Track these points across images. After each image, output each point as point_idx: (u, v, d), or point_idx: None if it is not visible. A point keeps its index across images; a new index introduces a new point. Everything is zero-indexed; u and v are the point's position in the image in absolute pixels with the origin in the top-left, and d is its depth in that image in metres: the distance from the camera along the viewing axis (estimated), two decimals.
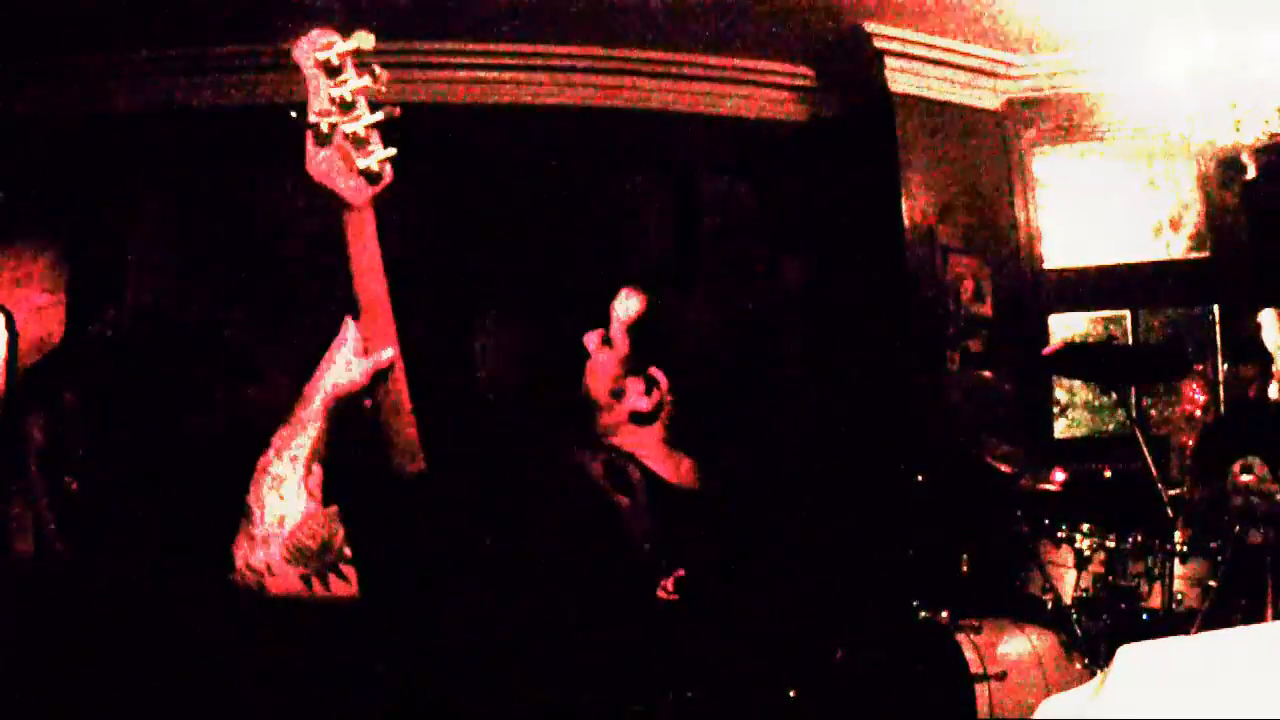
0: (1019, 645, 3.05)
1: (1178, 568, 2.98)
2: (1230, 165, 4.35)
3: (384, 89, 1.30)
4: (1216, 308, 4.68)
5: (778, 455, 4.64)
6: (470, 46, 4.44)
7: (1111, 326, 4.73)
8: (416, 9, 4.07)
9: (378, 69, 1.29)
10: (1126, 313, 4.75)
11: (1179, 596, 2.97)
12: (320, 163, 1.28)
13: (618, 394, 1.46)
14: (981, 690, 2.90)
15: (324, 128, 1.26)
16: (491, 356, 4.49)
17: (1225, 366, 3.80)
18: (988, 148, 4.73)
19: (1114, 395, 3.54)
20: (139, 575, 3.43)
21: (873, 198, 4.61)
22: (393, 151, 1.33)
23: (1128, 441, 3.42)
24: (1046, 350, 3.91)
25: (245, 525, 1.22)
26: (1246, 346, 3.93)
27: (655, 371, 1.44)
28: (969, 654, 2.97)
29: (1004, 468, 3.37)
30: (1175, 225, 4.78)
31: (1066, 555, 3.17)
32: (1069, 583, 3.14)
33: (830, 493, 4.39)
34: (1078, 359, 3.67)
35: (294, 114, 1.26)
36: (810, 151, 4.85)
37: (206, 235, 4.32)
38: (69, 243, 4.22)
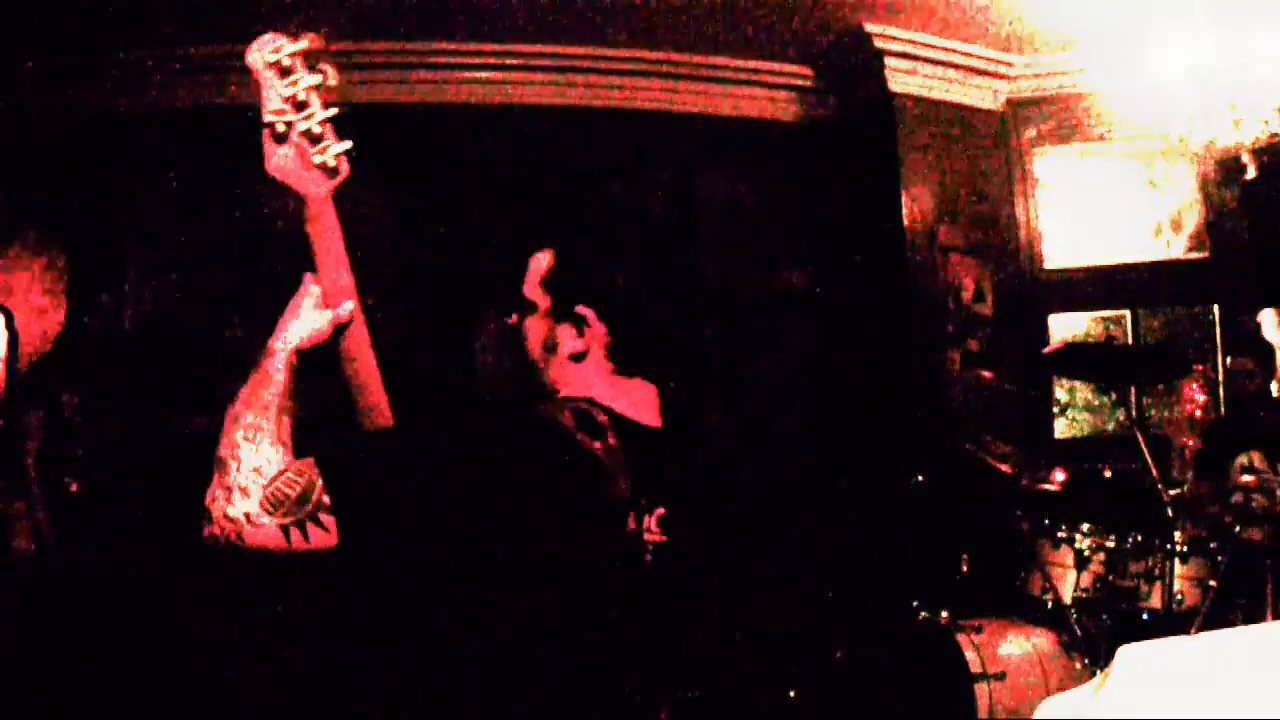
0: (1019, 645, 3.05)
1: (1178, 568, 2.98)
2: (1230, 165, 4.35)
3: (335, 84, 1.36)
4: (1216, 308, 4.68)
5: (778, 455, 4.64)
6: (470, 46, 4.44)
7: (1111, 326, 4.73)
8: (416, 9, 4.07)
9: (328, 67, 1.36)
10: (1126, 313, 4.75)
11: (1179, 596, 2.96)
12: (279, 161, 1.33)
13: (551, 345, 1.51)
14: (981, 690, 2.90)
15: (279, 127, 1.30)
16: (491, 356, 4.49)
17: (1227, 360, 3.80)
18: (988, 148, 4.73)
19: (1114, 395, 3.54)
20: (138, 575, 3.43)
21: (873, 198, 4.61)
22: (348, 144, 1.39)
23: (1128, 441, 3.42)
24: (1047, 350, 3.92)
25: (220, 477, 1.21)
26: (1246, 343, 3.93)
27: (581, 309, 1.50)
28: (969, 654, 2.97)
29: (1004, 468, 3.37)
30: (1175, 225, 4.78)
31: (1066, 555, 3.17)
32: (1069, 583, 3.14)
33: (830, 493, 4.39)
34: (1078, 359, 3.67)
35: (250, 115, 1.28)
36: (810, 151, 4.85)
37: (206, 235, 4.32)
38: (69, 243, 4.22)
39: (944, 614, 3.14)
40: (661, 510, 1.41)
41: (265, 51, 1.32)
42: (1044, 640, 3.08)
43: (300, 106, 1.32)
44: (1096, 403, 4.70)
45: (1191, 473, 3.67)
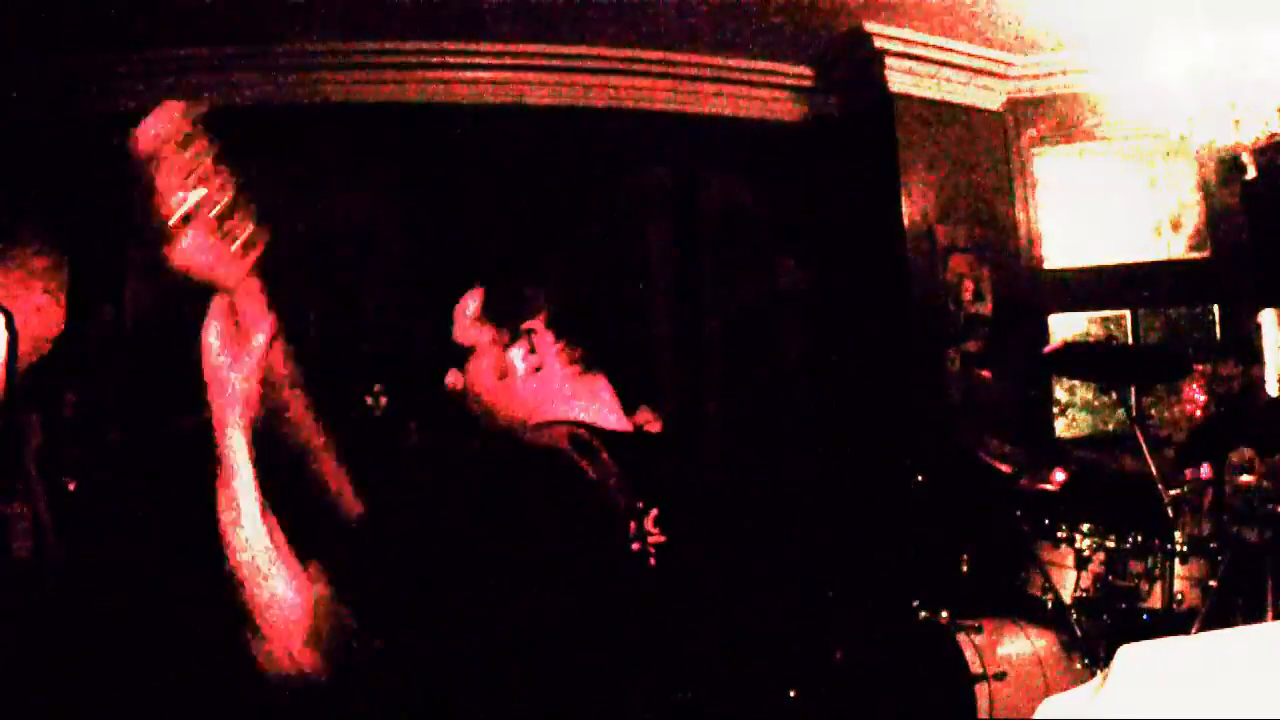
0: (1019, 645, 3.05)
1: (1178, 568, 2.98)
2: (1230, 165, 4.35)
3: (229, 161, 1.17)
4: (1216, 308, 4.69)
5: (778, 455, 4.64)
6: (470, 46, 4.44)
7: (1111, 326, 4.73)
8: (417, 9, 4.07)
9: (210, 144, 1.16)
10: (1126, 313, 4.75)
11: (1179, 596, 2.96)
12: (185, 249, 1.15)
13: (504, 374, 1.46)
14: (981, 690, 2.90)
15: (184, 209, 1.13)
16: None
17: (1206, 366, 3.81)
18: (988, 148, 4.73)
19: (1114, 395, 3.54)
20: (137, 575, 3.43)
21: (872, 198, 4.61)
22: (258, 225, 1.20)
23: (1128, 441, 3.42)
24: (1047, 349, 3.91)
25: (250, 614, 1.14)
26: (1232, 347, 3.93)
27: (526, 325, 1.47)
28: (969, 654, 2.97)
29: (1004, 468, 3.37)
30: (1175, 225, 4.78)
31: (1066, 555, 3.17)
32: (1069, 583, 3.14)
33: (830, 493, 4.39)
34: (1078, 359, 3.67)
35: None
36: (810, 151, 4.85)
37: None
38: (69, 243, 4.22)
39: (944, 614, 3.14)
40: (656, 511, 1.40)
41: (161, 125, 1.14)
42: (1044, 640, 3.08)
43: (203, 181, 1.15)
44: (1096, 403, 4.70)
45: (1175, 468, 3.67)
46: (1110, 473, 3.67)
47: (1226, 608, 2.90)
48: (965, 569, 3.43)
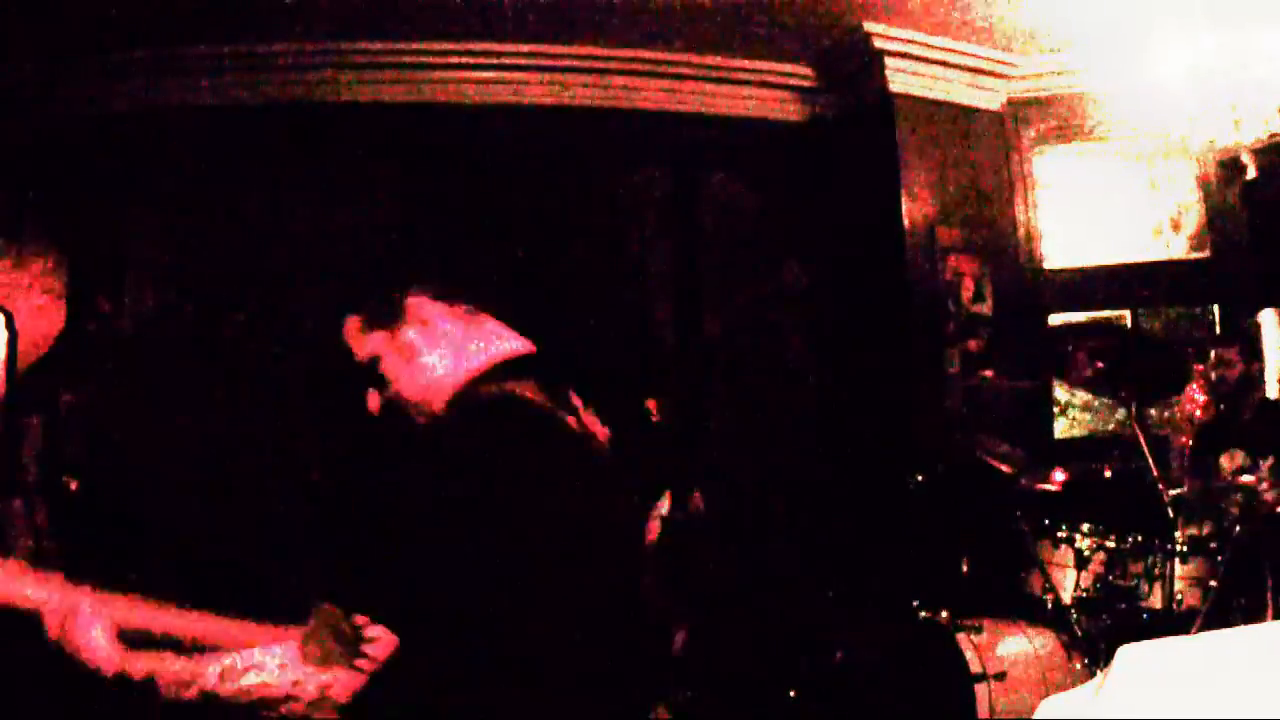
0: (1019, 645, 3.05)
1: (1178, 568, 2.98)
2: (1230, 165, 4.36)
3: None
4: (1216, 308, 4.68)
5: (778, 455, 4.64)
6: (470, 46, 4.44)
7: None
8: (418, 9, 4.08)
9: None
10: (1126, 313, 4.75)
11: (1179, 596, 2.96)
12: None
13: (411, 356, 1.51)
14: (981, 690, 2.90)
15: None
16: None
17: (1210, 352, 3.79)
18: (988, 148, 4.73)
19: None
20: (136, 575, 3.42)
21: (873, 198, 4.61)
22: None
23: (1128, 441, 3.42)
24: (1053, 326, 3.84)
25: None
26: (1227, 337, 3.92)
27: (407, 300, 1.54)
28: (969, 654, 2.97)
29: (1004, 468, 3.37)
30: (1175, 225, 4.78)
31: (1066, 555, 3.17)
32: (1069, 583, 3.14)
33: (830, 493, 4.39)
34: (1081, 340, 3.60)
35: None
36: (810, 151, 4.85)
37: (205, 235, 4.32)
38: (69, 243, 4.22)
39: (944, 614, 3.14)
40: (670, 494, 1.42)
41: None
42: (1044, 640, 3.08)
43: None
44: (1096, 403, 4.70)
45: (1179, 470, 3.67)
46: (1113, 471, 3.66)
47: (1226, 608, 2.89)
48: (965, 569, 3.43)
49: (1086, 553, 3.12)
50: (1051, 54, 4.60)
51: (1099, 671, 0.85)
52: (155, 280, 4.31)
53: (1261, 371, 3.81)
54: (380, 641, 1.18)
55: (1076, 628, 3.05)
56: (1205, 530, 3.05)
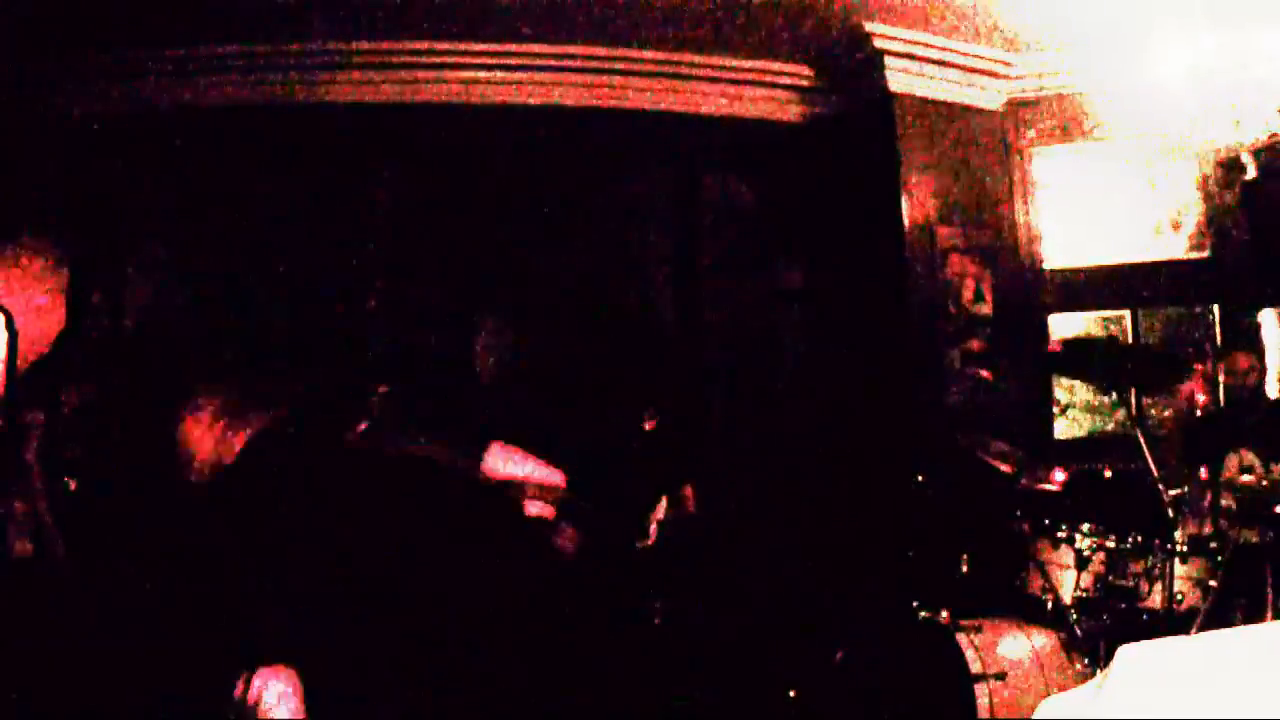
0: (1019, 645, 3.05)
1: (1178, 568, 2.98)
2: (1230, 165, 4.35)
3: None
4: (1216, 308, 4.68)
5: (778, 455, 4.64)
6: (471, 46, 4.44)
7: (1111, 326, 4.73)
8: (418, 9, 4.08)
9: None
10: (1126, 313, 4.75)
11: (1179, 596, 2.96)
12: None
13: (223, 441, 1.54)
14: (981, 690, 2.90)
15: None
16: (492, 355, 4.49)
17: (1219, 359, 3.80)
18: (988, 148, 4.73)
19: (1114, 395, 3.53)
20: (137, 575, 3.42)
21: (873, 198, 4.61)
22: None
23: (1128, 441, 3.42)
24: (1049, 347, 3.89)
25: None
26: (1243, 341, 3.93)
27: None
28: (969, 654, 2.97)
29: (1004, 468, 3.36)
30: (1175, 225, 4.78)
31: (1066, 555, 3.17)
32: (1069, 583, 3.14)
33: (830, 492, 4.39)
34: (1080, 357, 3.65)
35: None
36: (810, 151, 4.85)
37: (205, 234, 4.32)
38: (69, 243, 4.22)
39: (944, 614, 3.13)
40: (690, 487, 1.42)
41: None
42: (1044, 640, 3.08)
43: None
44: (1096, 403, 4.70)
45: (1173, 468, 3.67)
46: (1113, 471, 3.66)
47: (1226, 608, 2.89)
48: (965, 569, 3.43)
49: (1086, 553, 3.12)
50: (1051, 54, 4.60)
51: (1099, 671, 0.85)
52: (155, 280, 4.31)
53: (1264, 372, 3.81)
54: None
55: (1076, 628, 3.05)
56: (1205, 530, 3.05)
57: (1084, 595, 3.10)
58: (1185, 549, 2.99)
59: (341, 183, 4.37)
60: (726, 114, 4.81)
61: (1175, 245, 4.77)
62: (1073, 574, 3.14)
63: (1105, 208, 4.80)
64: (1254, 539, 2.93)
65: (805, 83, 4.82)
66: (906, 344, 4.49)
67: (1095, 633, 3.02)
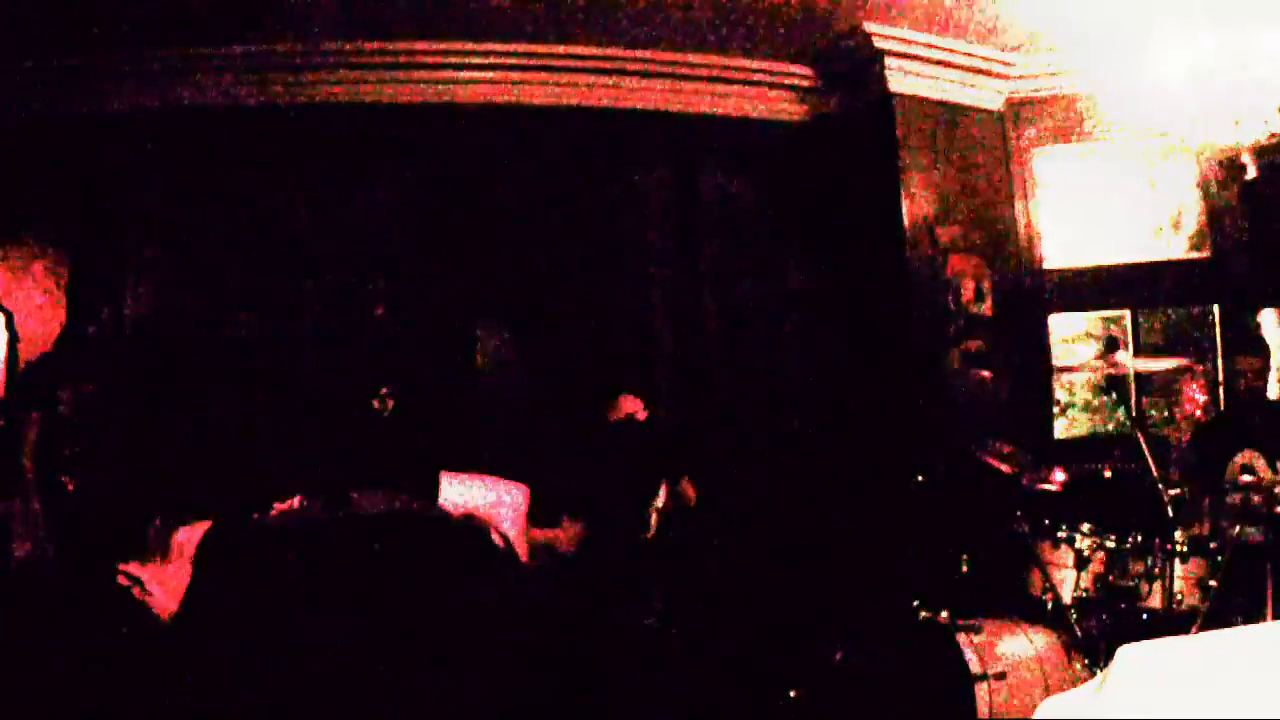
0: (1019, 645, 3.05)
1: (1178, 568, 2.98)
2: (1230, 165, 4.35)
3: None
4: (1216, 308, 4.68)
5: (778, 455, 4.64)
6: (470, 46, 4.44)
7: (1111, 326, 4.73)
8: (417, 9, 4.07)
9: None
10: (1126, 313, 4.75)
11: (1179, 596, 2.96)
12: None
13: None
14: (981, 690, 2.90)
15: None
16: (492, 353, 4.49)
17: (1223, 362, 3.81)
18: (988, 148, 4.73)
19: (1114, 395, 3.54)
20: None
21: (873, 197, 4.61)
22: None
23: (1128, 441, 3.42)
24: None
25: None
26: (1246, 342, 3.93)
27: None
28: (969, 654, 2.97)
29: (1004, 468, 3.36)
30: (1175, 225, 4.78)
31: (1066, 555, 3.17)
32: (1069, 583, 3.14)
33: (830, 493, 4.39)
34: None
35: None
36: (810, 151, 4.85)
37: (205, 235, 4.32)
38: (69, 243, 4.22)
39: (944, 614, 3.13)
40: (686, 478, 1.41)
41: None
42: (1044, 640, 3.08)
43: None
44: (1096, 403, 4.70)
45: (1179, 471, 3.67)
46: (1113, 471, 3.66)
47: (1226, 608, 2.89)
48: (965, 569, 3.43)
49: (1086, 553, 3.12)
50: (1051, 54, 4.60)
51: (1099, 671, 0.85)
52: (155, 280, 4.31)
53: (1265, 373, 3.81)
54: None
55: (1076, 628, 3.05)
56: (1205, 530, 3.06)
57: (1084, 595, 3.10)
58: (1185, 549, 2.99)
59: (341, 182, 4.38)
60: (726, 114, 4.81)
61: (1175, 245, 4.77)
62: (1073, 574, 3.14)
63: (1105, 208, 4.80)
64: (1256, 538, 2.93)
65: (805, 83, 4.82)
66: (906, 344, 4.50)
67: (1095, 633, 3.03)
